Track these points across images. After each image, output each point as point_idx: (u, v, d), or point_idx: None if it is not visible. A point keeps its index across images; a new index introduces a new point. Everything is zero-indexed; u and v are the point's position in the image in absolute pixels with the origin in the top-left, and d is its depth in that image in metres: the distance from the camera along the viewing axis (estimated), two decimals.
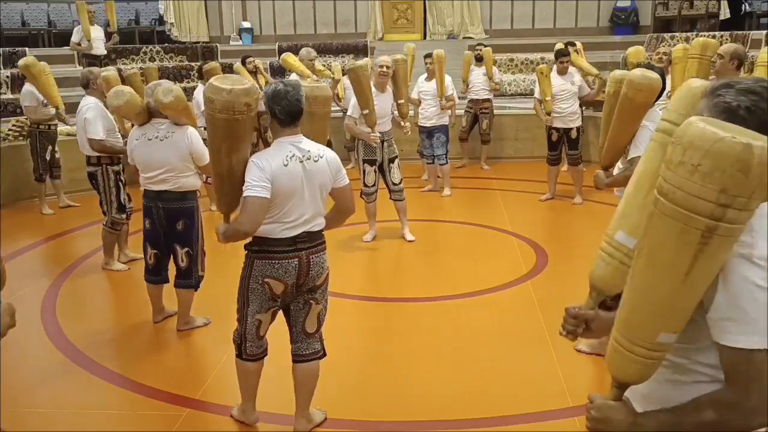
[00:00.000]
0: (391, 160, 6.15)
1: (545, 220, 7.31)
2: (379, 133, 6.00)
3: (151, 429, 3.42)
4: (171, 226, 4.37)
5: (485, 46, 9.30)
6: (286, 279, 3.05)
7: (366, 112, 5.89)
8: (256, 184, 2.90)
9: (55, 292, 5.32)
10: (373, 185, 6.19)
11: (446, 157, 7.91)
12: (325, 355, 3.28)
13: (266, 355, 3.27)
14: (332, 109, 8.30)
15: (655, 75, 3.47)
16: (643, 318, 1.40)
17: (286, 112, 2.98)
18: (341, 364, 4.00)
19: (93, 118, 5.40)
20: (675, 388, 1.47)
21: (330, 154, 3.11)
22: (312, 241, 3.08)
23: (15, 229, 7.02)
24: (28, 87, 7.33)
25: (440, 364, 4.01)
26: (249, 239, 3.08)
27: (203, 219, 4.58)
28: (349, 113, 6.15)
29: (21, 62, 7.11)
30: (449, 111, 8.11)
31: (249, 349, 3.20)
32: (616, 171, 3.85)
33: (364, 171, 6.19)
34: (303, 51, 8.30)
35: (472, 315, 4.75)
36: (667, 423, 1.42)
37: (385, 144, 6.12)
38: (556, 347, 3.99)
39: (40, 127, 7.46)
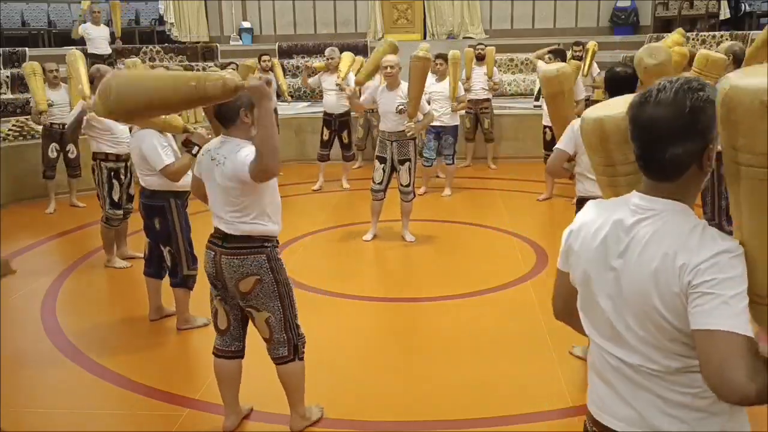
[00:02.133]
0: (401, 162, 6.10)
1: (545, 220, 7.31)
2: (387, 132, 6.05)
3: (151, 429, 3.42)
4: (150, 222, 4.43)
5: (486, 45, 9.30)
6: (207, 267, 3.09)
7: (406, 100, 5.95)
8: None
9: (56, 291, 5.32)
10: (380, 183, 6.17)
11: (453, 158, 7.93)
12: (294, 359, 3.11)
13: (233, 357, 3.23)
14: (347, 109, 8.31)
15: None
16: None
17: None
18: (340, 363, 4.00)
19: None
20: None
21: (230, 163, 2.88)
22: (227, 241, 2.99)
23: (15, 228, 7.03)
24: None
25: (440, 364, 4.01)
26: None
27: None
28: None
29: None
30: (461, 112, 8.10)
31: (215, 341, 3.26)
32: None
33: (374, 167, 6.22)
34: (327, 50, 8.44)
35: (472, 315, 4.75)
36: None
37: (395, 144, 6.07)
38: (556, 347, 3.97)
39: (53, 125, 7.45)
